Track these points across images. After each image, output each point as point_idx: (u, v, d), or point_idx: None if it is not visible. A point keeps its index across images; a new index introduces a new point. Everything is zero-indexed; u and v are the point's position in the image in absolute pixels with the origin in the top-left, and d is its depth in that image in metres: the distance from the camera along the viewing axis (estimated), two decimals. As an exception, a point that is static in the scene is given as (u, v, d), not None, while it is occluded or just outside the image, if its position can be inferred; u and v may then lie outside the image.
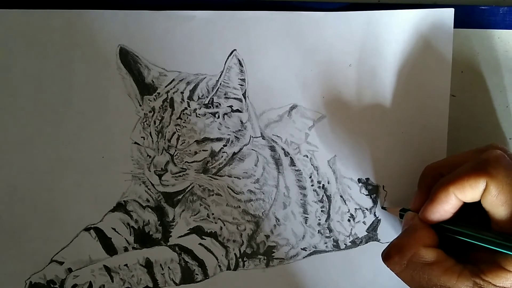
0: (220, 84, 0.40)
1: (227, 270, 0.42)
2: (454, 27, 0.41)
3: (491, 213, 0.32)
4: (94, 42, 0.38)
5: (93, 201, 0.40)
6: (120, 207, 0.41)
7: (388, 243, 0.35)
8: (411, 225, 0.35)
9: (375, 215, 0.43)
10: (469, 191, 0.31)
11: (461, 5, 0.42)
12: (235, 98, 0.41)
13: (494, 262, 0.31)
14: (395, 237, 0.35)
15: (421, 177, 0.39)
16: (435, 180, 0.35)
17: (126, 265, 0.41)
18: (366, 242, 0.43)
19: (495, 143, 0.35)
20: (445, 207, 0.33)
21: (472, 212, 0.34)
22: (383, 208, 0.43)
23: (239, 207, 0.42)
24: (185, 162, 0.40)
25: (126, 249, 0.41)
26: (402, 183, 0.43)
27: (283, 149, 0.42)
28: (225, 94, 0.40)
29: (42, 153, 0.39)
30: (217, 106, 0.40)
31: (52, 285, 0.40)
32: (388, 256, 0.34)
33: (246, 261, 0.42)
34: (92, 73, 0.39)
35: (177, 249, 0.41)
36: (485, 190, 0.31)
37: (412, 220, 0.36)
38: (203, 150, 0.40)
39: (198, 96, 0.40)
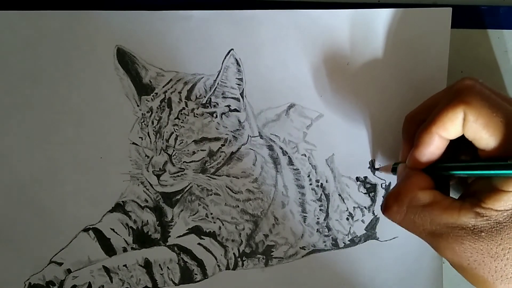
0: (218, 83, 0.40)
1: (226, 269, 0.42)
2: (454, 27, 0.41)
3: (476, 142, 0.31)
4: (92, 42, 0.38)
5: (91, 201, 0.40)
6: (119, 207, 0.41)
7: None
8: (404, 174, 0.35)
9: (373, 213, 0.43)
10: (450, 126, 0.31)
11: (461, 5, 0.42)
12: (232, 98, 0.40)
13: (491, 188, 0.30)
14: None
15: (404, 128, 0.39)
16: (417, 127, 0.35)
17: (125, 265, 0.41)
18: (365, 241, 0.44)
19: (467, 76, 0.34)
20: (430, 149, 0.33)
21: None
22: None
23: (238, 206, 0.42)
24: (183, 162, 0.40)
25: (125, 250, 0.41)
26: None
27: (281, 148, 0.42)
28: (222, 94, 0.40)
29: (40, 154, 0.39)
30: (214, 106, 0.40)
31: (51, 286, 0.40)
32: (387, 207, 0.34)
33: (245, 260, 0.42)
34: (89, 73, 0.39)
35: (176, 249, 0.41)
36: (464, 119, 0.30)
37: (404, 170, 0.35)
38: (201, 150, 0.40)
39: (196, 96, 0.40)
